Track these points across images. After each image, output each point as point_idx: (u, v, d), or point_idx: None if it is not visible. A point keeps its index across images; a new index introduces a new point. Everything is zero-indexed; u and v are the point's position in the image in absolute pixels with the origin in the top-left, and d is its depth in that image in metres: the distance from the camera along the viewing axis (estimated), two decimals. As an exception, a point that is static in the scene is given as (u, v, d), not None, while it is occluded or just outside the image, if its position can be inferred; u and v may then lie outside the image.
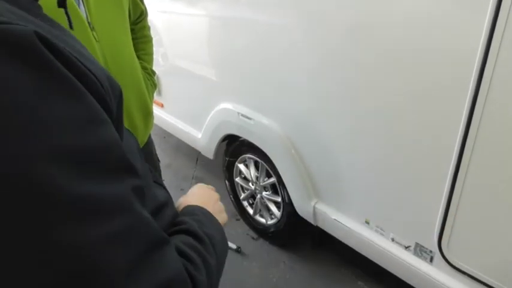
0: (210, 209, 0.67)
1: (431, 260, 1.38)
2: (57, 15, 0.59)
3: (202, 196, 0.72)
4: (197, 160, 3.04)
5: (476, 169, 1.13)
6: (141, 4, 1.42)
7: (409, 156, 1.31)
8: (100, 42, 1.13)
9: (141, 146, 1.38)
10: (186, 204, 0.68)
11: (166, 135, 3.29)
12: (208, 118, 2.18)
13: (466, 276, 1.28)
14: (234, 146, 2.17)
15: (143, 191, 0.44)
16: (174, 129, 2.67)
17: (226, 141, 2.24)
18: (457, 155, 1.15)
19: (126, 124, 1.20)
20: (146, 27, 1.49)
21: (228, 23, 1.85)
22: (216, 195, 0.76)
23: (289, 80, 1.61)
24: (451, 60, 1.09)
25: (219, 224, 0.66)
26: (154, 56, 1.57)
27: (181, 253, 0.48)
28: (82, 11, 1.08)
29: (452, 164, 1.17)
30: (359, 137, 1.44)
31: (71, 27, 0.63)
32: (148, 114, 1.40)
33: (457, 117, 1.10)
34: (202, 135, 2.31)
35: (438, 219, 1.28)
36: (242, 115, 1.92)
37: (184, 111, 2.52)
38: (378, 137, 1.37)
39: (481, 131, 1.07)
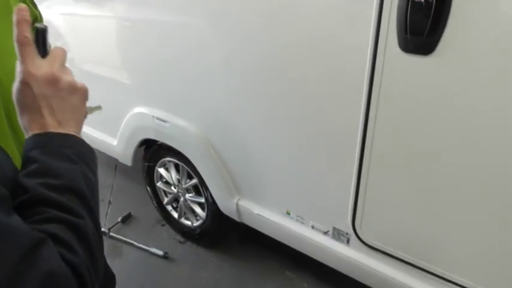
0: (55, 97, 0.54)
1: (347, 241, 1.47)
2: None
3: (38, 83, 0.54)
4: (116, 168, 2.91)
5: (379, 149, 1.21)
6: (34, 10, 1.31)
7: (317, 143, 1.37)
8: None
9: None
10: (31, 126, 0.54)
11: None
12: (123, 124, 2.10)
13: (380, 253, 1.38)
14: (153, 151, 2.11)
15: (7, 197, 0.43)
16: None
17: (143, 146, 2.17)
18: (361, 138, 1.23)
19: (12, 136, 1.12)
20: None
21: (135, 24, 1.79)
22: (55, 61, 0.57)
23: (200, 79, 1.60)
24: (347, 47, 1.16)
25: (72, 139, 0.56)
26: None
27: (53, 238, 0.44)
28: None
29: (358, 146, 1.25)
30: (270, 129, 1.49)
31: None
32: None
33: (358, 98, 1.18)
34: (118, 142, 2.21)
35: (350, 202, 1.36)
36: (157, 118, 1.87)
37: (96, 118, 2.38)
38: (288, 127, 1.42)
39: (380, 110, 1.15)
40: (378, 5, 1.04)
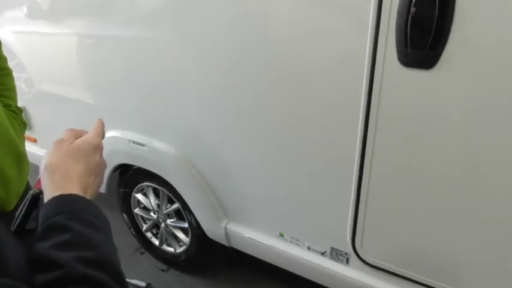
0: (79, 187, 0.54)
1: (347, 261, 1.41)
2: None
3: (62, 168, 0.55)
4: (85, 194, 2.74)
5: (379, 165, 1.17)
6: None
7: (312, 160, 1.31)
8: None
9: (17, 198, 1.12)
10: (48, 195, 0.52)
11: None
12: (94, 149, 1.96)
13: (382, 272, 1.33)
14: (129, 176, 1.99)
15: None
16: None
17: (118, 171, 2.04)
18: (360, 153, 1.18)
19: None
20: (2, 58, 1.21)
21: (100, 41, 1.68)
22: (83, 149, 0.60)
23: (178, 98, 1.51)
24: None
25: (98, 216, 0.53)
26: (17, 83, 1.31)
27: None
28: None
29: (356, 162, 1.20)
30: (259, 148, 1.42)
31: None
32: (21, 160, 1.15)
33: (356, 114, 1.13)
34: (89, 169, 2.07)
35: (349, 220, 1.31)
36: (133, 142, 1.75)
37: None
38: (279, 145, 1.36)
39: (379, 126, 1.11)
40: (375, 18, 1.00)
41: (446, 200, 1.11)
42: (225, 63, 1.33)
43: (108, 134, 1.86)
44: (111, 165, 1.93)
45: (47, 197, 0.52)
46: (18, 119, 1.19)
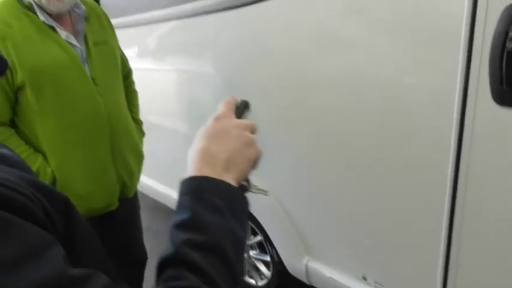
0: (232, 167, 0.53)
1: (437, 313, 1.29)
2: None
3: (217, 145, 0.54)
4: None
5: (473, 211, 1.07)
6: (128, 65, 1.65)
7: (400, 200, 1.24)
8: (102, 96, 1.32)
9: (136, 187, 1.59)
10: (190, 171, 0.53)
11: (141, 196, 3.14)
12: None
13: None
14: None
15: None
16: (148, 190, 2.55)
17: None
18: (450, 197, 1.09)
19: (123, 172, 1.44)
20: (133, 83, 1.69)
21: (196, 76, 1.82)
22: (239, 131, 0.57)
23: (263, 137, 1.55)
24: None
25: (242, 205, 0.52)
26: None
27: None
28: (87, 69, 1.31)
29: (447, 205, 1.11)
30: (345, 184, 1.38)
31: None
32: (141, 158, 1.58)
33: (446, 155, 1.05)
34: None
35: (439, 270, 1.20)
36: (220, 174, 1.83)
37: (159, 171, 2.41)
38: (365, 183, 1.31)
39: (471, 171, 1.02)
40: (466, 54, 0.94)
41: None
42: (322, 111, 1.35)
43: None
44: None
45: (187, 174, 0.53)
46: (139, 129, 1.65)
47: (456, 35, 0.95)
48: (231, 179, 0.53)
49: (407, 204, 1.23)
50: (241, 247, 0.51)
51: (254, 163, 0.57)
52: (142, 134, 1.68)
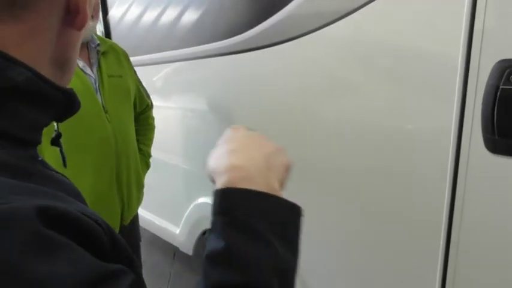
0: (266, 181, 0.43)
1: None
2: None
3: (246, 158, 0.45)
4: (174, 255, 2.89)
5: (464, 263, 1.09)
6: (147, 99, 1.76)
7: (398, 252, 1.26)
8: (111, 123, 1.42)
9: (133, 215, 1.67)
10: (220, 186, 0.43)
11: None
12: (187, 213, 2.10)
13: None
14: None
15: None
16: (148, 225, 2.56)
17: (205, 235, 2.14)
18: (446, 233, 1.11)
19: (125, 198, 1.51)
20: (150, 117, 1.81)
21: (202, 114, 1.88)
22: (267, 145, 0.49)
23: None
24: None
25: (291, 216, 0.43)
26: None
27: None
28: (99, 97, 1.41)
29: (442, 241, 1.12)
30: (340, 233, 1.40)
31: (64, 165, 0.65)
32: (141, 187, 1.69)
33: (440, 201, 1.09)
34: (180, 231, 2.21)
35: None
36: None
37: (160, 206, 2.44)
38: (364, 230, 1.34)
39: (464, 220, 1.05)
40: (460, 104, 0.99)
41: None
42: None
43: (200, 200, 2.00)
44: (199, 229, 2.05)
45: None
46: (145, 160, 1.74)
47: (451, 86, 1.00)
48: (272, 189, 0.43)
49: (403, 255, 1.24)
50: (292, 277, 0.41)
51: (288, 171, 0.50)
52: (147, 166, 1.77)
